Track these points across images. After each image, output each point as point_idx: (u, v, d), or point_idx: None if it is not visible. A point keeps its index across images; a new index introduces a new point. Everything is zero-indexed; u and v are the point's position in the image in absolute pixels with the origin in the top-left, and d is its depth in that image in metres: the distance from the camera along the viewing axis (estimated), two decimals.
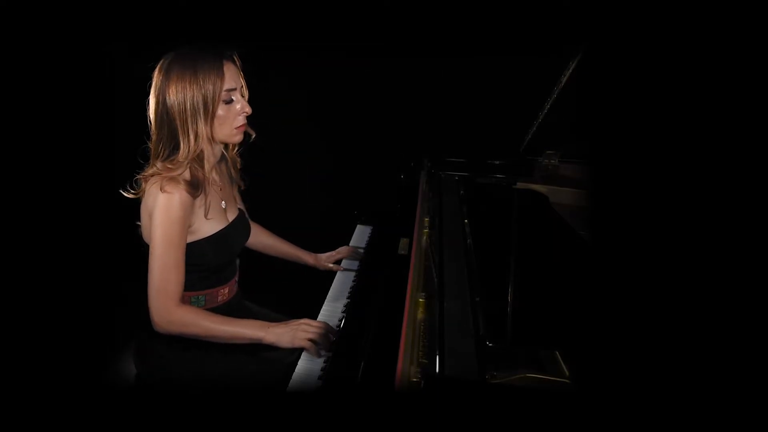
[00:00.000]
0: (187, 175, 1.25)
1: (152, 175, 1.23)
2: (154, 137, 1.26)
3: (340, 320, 1.38)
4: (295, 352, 1.26)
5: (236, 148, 1.43)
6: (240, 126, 1.29)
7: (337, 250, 1.75)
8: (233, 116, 1.26)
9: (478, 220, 1.59)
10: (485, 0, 2.33)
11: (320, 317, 1.44)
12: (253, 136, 1.40)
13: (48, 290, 1.83)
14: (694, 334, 0.69)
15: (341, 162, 2.71)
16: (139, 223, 1.31)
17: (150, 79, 1.24)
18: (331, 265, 1.72)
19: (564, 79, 1.49)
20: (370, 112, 2.61)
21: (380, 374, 0.88)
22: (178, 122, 1.21)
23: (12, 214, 1.80)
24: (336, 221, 2.09)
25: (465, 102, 2.50)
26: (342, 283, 1.64)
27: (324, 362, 1.21)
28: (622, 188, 0.85)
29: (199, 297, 1.35)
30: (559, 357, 0.96)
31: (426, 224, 1.52)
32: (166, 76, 1.21)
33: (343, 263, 1.74)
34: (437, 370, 0.93)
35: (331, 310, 1.49)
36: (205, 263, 1.31)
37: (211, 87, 1.21)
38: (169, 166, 1.23)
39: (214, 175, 1.37)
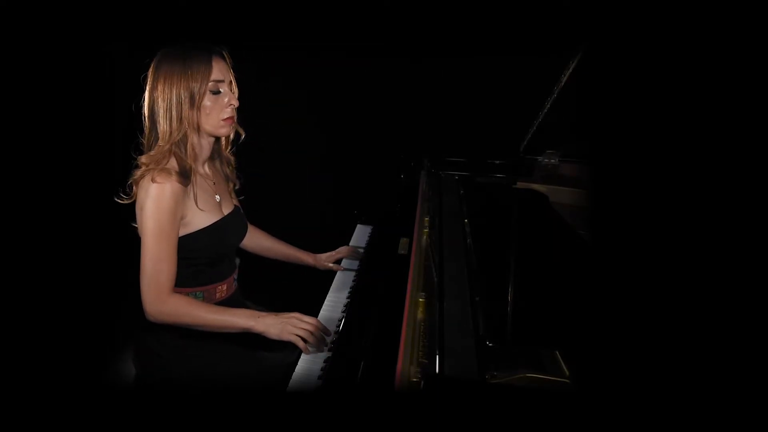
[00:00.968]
0: (175, 164, 1.26)
1: (142, 175, 1.25)
2: (147, 131, 1.28)
3: (340, 320, 1.38)
4: (295, 353, 1.26)
5: (229, 147, 1.43)
6: (227, 118, 1.30)
7: (337, 250, 1.75)
8: (220, 107, 1.28)
9: (478, 219, 1.59)
10: (485, 0, 2.33)
11: (320, 317, 1.44)
12: (242, 135, 1.41)
13: (48, 290, 1.83)
14: (694, 333, 0.69)
15: (341, 162, 2.71)
16: (134, 225, 1.31)
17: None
18: (331, 264, 1.72)
19: (564, 79, 1.49)
20: (370, 112, 2.60)
21: (380, 374, 0.88)
22: (161, 110, 1.24)
23: (12, 214, 1.80)
24: (336, 221, 2.09)
25: (465, 102, 2.50)
26: (342, 283, 1.64)
27: (324, 362, 1.21)
28: (622, 188, 0.84)
29: (197, 293, 1.35)
30: (559, 357, 0.96)
31: (426, 224, 1.52)
32: (156, 71, 1.25)
33: (343, 263, 1.74)
34: (437, 370, 0.93)
35: (331, 309, 1.49)
36: (200, 256, 1.31)
37: (198, 76, 1.24)
38: (152, 153, 1.25)
39: (207, 170, 1.38)
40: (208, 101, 1.26)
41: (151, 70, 1.27)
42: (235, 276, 1.48)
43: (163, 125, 1.25)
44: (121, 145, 1.37)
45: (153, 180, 1.22)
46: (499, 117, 2.28)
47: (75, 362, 1.66)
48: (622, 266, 0.81)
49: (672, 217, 0.76)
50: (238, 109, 1.33)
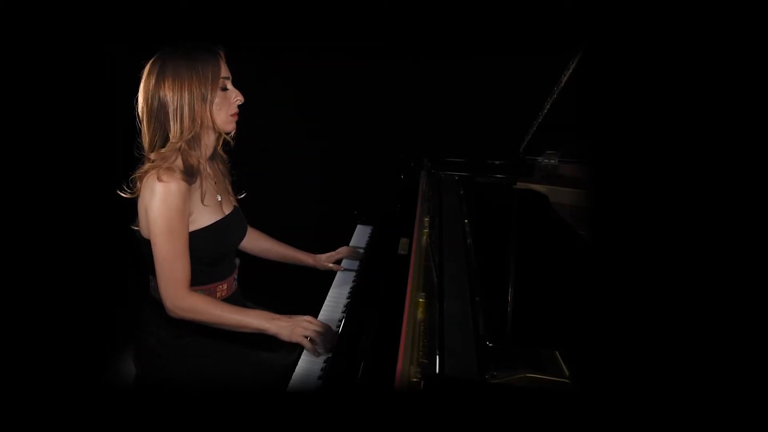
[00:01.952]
0: (180, 163, 1.26)
1: (147, 171, 1.24)
2: (148, 131, 1.27)
3: (340, 320, 1.38)
4: (295, 353, 1.26)
5: (220, 144, 1.42)
6: (234, 113, 1.32)
7: (337, 250, 1.75)
8: (228, 104, 1.30)
9: (478, 220, 1.59)
10: (485, 0, 2.33)
11: (320, 317, 1.45)
12: (232, 143, 1.42)
13: (48, 290, 1.83)
14: (693, 333, 0.69)
15: (341, 162, 2.71)
16: (133, 227, 1.31)
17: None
18: (331, 265, 1.72)
19: (564, 79, 1.49)
20: (370, 112, 2.60)
21: (380, 374, 0.88)
22: (170, 110, 1.23)
23: (12, 214, 1.80)
24: (336, 221, 2.09)
25: (465, 102, 2.50)
26: (342, 283, 1.65)
27: (324, 362, 1.21)
28: (622, 188, 0.85)
29: (197, 293, 1.35)
30: (559, 357, 0.96)
31: (426, 224, 1.52)
32: (161, 73, 1.23)
33: (344, 263, 1.74)
34: (437, 370, 0.93)
35: (331, 309, 1.49)
36: (200, 255, 1.31)
37: (210, 75, 1.25)
38: (162, 151, 1.25)
39: (209, 169, 1.38)
40: (218, 98, 1.27)
41: (150, 72, 1.25)
42: (235, 276, 1.48)
43: (173, 125, 1.24)
44: (121, 145, 1.37)
45: (159, 179, 1.21)
46: (498, 117, 2.28)
47: (75, 362, 1.66)
48: (621, 266, 0.81)
49: (672, 217, 0.76)
50: (240, 108, 1.33)
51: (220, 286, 1.40)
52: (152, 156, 1.25)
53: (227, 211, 1.40)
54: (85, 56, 2.04)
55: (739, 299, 0.66)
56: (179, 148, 1.26)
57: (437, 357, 0.96)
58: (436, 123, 2.52)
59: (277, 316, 1.28)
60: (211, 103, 1.26)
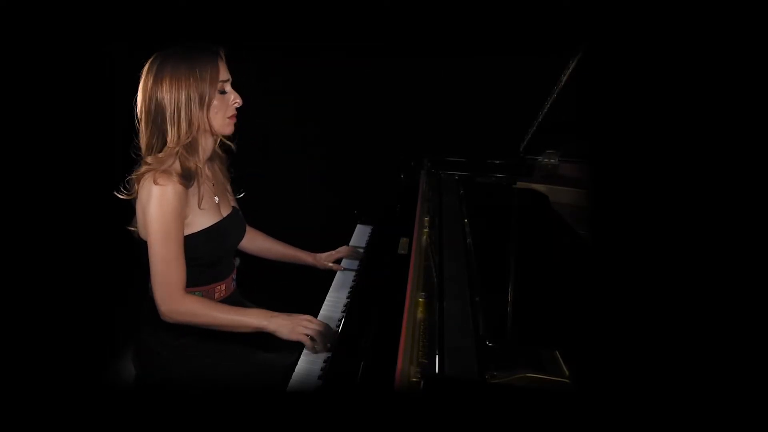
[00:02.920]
0: (177, 166, 1.26)
1: (144, 173, 1.24)
2: (145, 133, 1.26)
3: (340, 320, 1.38)
4: (295, 353, 1.26)
5: (216, 144, 1.42)
6: (231, 116, 1.31)
7: (337, 249, 1.75)
8: (226, 106, 1.29)
9: (477, 219, 1.59)
10: (485, 0, 2.33)
11: (320, 317, 1.44)
12: (234, 146, 1.43)
13: (48, 291, 1.83)
14: (693, 333, 0.69)
15: (341, 162, 2.71)
16: (130, 228, 1.31)
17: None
18: (330, 264, 1.72)
19: (564, 79, 1.49)
20: (370, 112, 2.60)
21: (380, 374, 0.88)
22: (167, 113, 1.23)
23: (12, 214, 1.80)
24: (336, 221, 2.08)
25: (465, 102, 2.50)
26: (342, 282, 1.64)
27: (324, 362, 1.21)
28: (622, 188, 0.85)
29: (195, 293, 1.35)
30: (558, 357, 0.96)
31: (426, 224, 1.52)
32: (159, 73, 1.23)
33: (343, 263, 1.74)
34: (437, 370, 0.93)
35: (331, 309, 1.49)
36: (199, 257, 1.31)
37: (208, 77, 1.24)
38: (160, 155, 1.24)
39: (207, 171, 1.38)
40: (216, 101, 1.26)
41: (148, 71, 1.24)
42: (234, 276, 1.48)
43: (170, 128, 1.23)
44: (121, 145, 1.37)
45: (155, 182, 1.21)
46: (498, 117, 2.28)
47: (75, 362, 1.66)
48: (621, 266, 0.81)
49: (671, 217, 0.76)
50: (239, 109, 1.33)
51: (219, 287, 1.40)
52: (149, 160, 1.25)
53: (225, 212, 1.40)
54: (84, 56, 2.04)
55: (738, 299, 0.66)
56: (177, 153, 1.25)
57: (437, 357, 0.96)
58: (436, 123, 2.52)
59: (276, 314, 1.28)
60: (209, 105, 1.25)
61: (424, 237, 1.47)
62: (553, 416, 0.76)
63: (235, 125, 1.35)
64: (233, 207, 1.46)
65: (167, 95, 1.22)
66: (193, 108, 1.23)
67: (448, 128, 2.50)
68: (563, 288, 1.24)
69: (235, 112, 1.32)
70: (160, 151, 1.24)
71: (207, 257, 1.33)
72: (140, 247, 1.30)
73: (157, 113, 1.23)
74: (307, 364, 1.22)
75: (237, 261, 1.52)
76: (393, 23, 2.39)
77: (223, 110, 1.28)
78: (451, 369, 0.93)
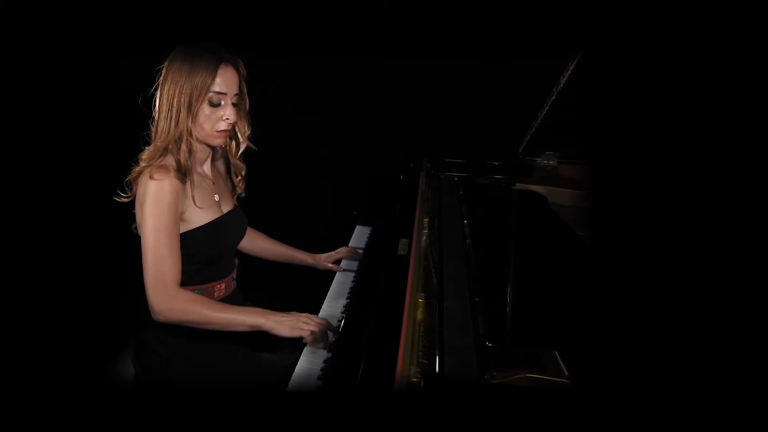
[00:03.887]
0: (172, 161, 1.26)
1: (141, 171, 1.25)
2: (155, 123, 1.28)
3: (340, 320, 1.38)
4: (295, 353, 1.26)
5: (239, 155, 1.43)
6: (221, 131, 1.29)
7: (336, 250, 1.75)
8: (215, 119, 1.27)
9: (477, 220, 1.59)
10: (485, 1, 2.33)
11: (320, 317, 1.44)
12: (255, 150, 1.43)
13: (48, 290, 1.83)
14: (693, 333, 0.69)
15: (341, 162, 2.71)
16: (134, 229, 1.31)
17: (154, 81, 1.28)
18: (330, 264, 1.72)
19: (563, 81, 1.49)
20: (370, 113, 2.61)
21: (380, 374, 0.88)
22: (165, 108, 1.24)
23: (12, 214, 1.80)
24: (336, 221, 2.09)
25: (465, 103, 2.50)
26: (341, 283, 1.65)
27: (324, 362, 1.21)
28: (621, 188, 0.85)
29: (194, 292, 1.35)
30: (558, 357, 0.96)
31: (425, 225, 1.52)
32: (169, 66, 1.25)
33: (343, 263, 1.74)
34: (437, 370, 0.93)
35: (331, 309, 1.49)
36: (198, 254, 1.31)
37: (199, 83, 1.23)
38: (150, 149, 1.25)
39: (206, 170, 1.39)
40: (206, 110, 1.25)
41: (167, 61, 1.26)
42: (234, 275, 1.48)
43: (162, 123, 1.25)
44: (121, 145, 1.37)
45: (151, 177, 1.21)
46: (498, 118, 2.28)
47: (75, 362, 1.66)
48: (620, 267, 0.81)
49: (671, 218, 0.76)
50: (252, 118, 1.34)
51: (218, 286, 1.40)
52: (144, 156, 1.26)
53: (226, 209, 1.40)
54: (85, 56, 2.04)
55: (738, 299, 0.66)
56: (166, 148, 1.26)
57: (437, 357, 0.96)
58: (435, 124, 2.52)
59: (272, 312, 1.26)
60: (196, 113, 1.25)
61: (424, 238, 1.47)
62: (552, 416, 0.76)
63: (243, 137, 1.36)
64: (234, 205, 1.47)
65: (166, 92, 1.24)
66: (182, 111, 1.24)
67: (448, 129, 2.51)
68: (562, 288, 1.25)
69: (225, 127, 1.29)
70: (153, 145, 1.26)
71: (206, 254, 1.33)
72: (141, 246, 1.30)
73: (159, 104, 1.26)
74: (306, 364, 1.22)
75: (236, 261, 1.51)
76: (393, 24, 2.40)
77: (210, 122, 1.27)
78: (450, 369, 0.93)
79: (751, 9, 0.73)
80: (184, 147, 1.27)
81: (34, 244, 1.85)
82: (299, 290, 1.59)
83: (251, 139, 1.42)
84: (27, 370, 1.61)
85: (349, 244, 1.86)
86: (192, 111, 1.24)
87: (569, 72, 1.47)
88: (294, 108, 2.68)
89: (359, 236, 1.96)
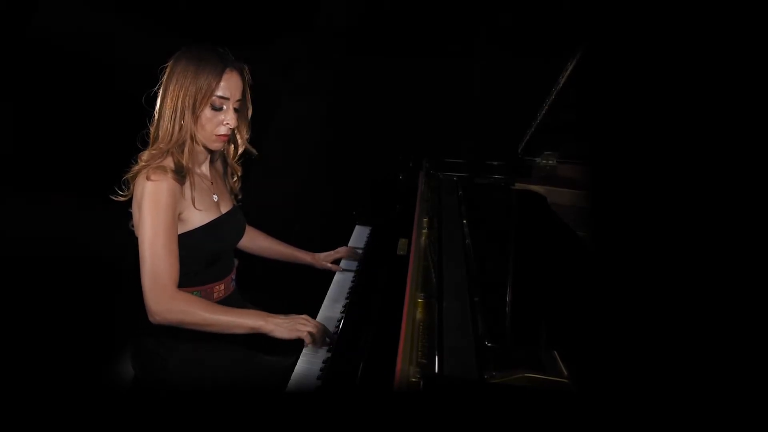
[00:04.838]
0: (171, 163, 1.26)
1: (139, 171, 1.25)
2: (155, 122, 1.28)
3: (340, 320, 1.38)
4: (294, 354, 1.26)
5: (237, 158, 1.43)
6: (220, 135, 1.30)
7: (336, 250, 1.75)
8: (216, 123, 1.28)
9: (476, 220, 1.59)
10: (485, 1, 2.33)
11: (319, 317, 1.45)
12: (255, 154, 1.44)
13: (47, 290, 1.83)
14: (693, 333, 0.69)
15: (341, 162, 2.71)
16: (131, 227, 1.31)
17: (158, 81, 1.28)
18: (329, 264, 1.72)
19: (562, 81, 1.49)
20: (369, 113, 2.61)
21: (379, 374, 0.88)
22: (169, 110, 1.24)
23: (12, 214, 1.80)
24: (335, 221, 2.09)
25: (464, 103, 2.51)
26: (341, 283, 1.65)
27: (323, 363, 1.21)
28: (620, 188, 0.85)
29: (194, 293, 1.34)
30: (557, 357, 0.96)
31: (425, 225, 1.52)
32: (174, 67, 1.25)
33: (342, 263, 1.74)
34: (436, 370, 0.93)
35: (330, 310, 1.49)
36: (197, 255, 1.31)
37: (204, 86, 1.23)
38: (153, 151, 1.25)
39: (205, 170, 1.39)
40: (207, 114, 1.26)
41: (171, 61, 1.26)
42: (233, 276, 1.48)
43: (166, 125, 1.25)
44: (120, 145, 1.37)
45: (148, 178, 1.21)
46: (497, 118, 2.28)
47: (74, 362, 1.66)
48: (620, 267, 0.81)
49: (671, 218, 0.76)
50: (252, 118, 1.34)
51: (218, 287, 1.40)
52: (144, 156, 1.26)
53: (225, 210, 1.40)
54: (85, 56, 2.04)
55: (738, 299, 0.66)
56: (169, 151, 1.26)
57: (436, 357, 0.96)
58: (435, 124, 2.52)
59: (271, 314, 1.27)
60: (198, 116, 1.25)
61: (423, 237, 1.47)
62: (552, 416, 0.76)
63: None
64: (233, 205, 1.47)
65: (171, 93, 1.24)
66: (186, 112, 1.24)
67: (447, 129, 2.51)
68: (562, 288, 1.25)
69: (225, 132, 1.30)
70: (152, 146, 1.26)
71: (205, 255, 1.33)
72: (138, 246, 1.30)
73: (163, 104, 1.25)
74: (306, 364, 1.22)
75: (236, 262, 1.51)
76: (393, 24, 2.40)
77: (211, 126, 1.28)
78: (450, 369, 0.93)
79: (751, 9, 0.73)
80: (186, 149, 1.28)
81: (34, 245, 1.85)
82: (299, 290, 1.59)
83: (252, 142, 1.42)
84: (27, 371, 1.61)
85: (349, 244, 1.86)
86: (194, 113, 1.25)
87: (568, 72, 1.47)
88: (294, 108, 2.68)
89: (359, 236, 1.96)
